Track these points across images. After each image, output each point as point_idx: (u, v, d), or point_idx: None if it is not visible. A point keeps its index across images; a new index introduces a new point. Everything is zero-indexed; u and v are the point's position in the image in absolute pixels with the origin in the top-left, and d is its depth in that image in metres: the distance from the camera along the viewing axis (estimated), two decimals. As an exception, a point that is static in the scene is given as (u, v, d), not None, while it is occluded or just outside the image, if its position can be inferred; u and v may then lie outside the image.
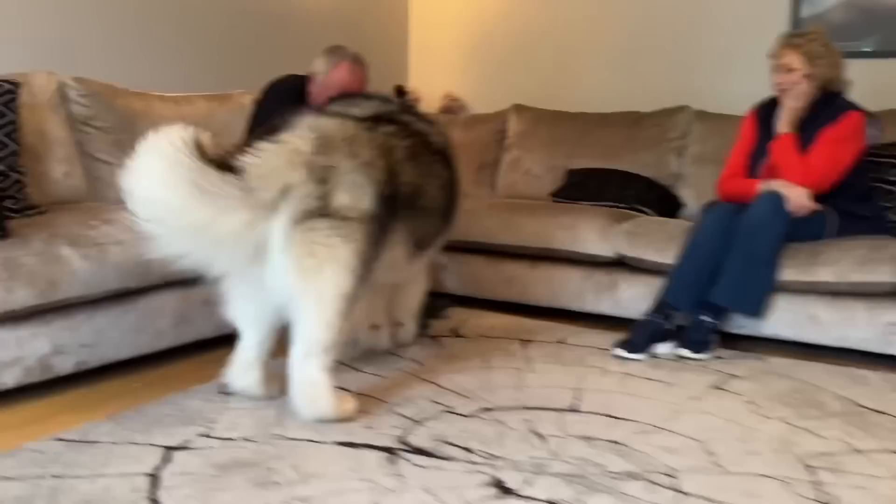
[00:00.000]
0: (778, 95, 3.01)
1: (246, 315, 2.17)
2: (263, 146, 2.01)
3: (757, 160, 3.02)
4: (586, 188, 3.74)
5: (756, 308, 2.78)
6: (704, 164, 3.71)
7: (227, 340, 2.47)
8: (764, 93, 3.87)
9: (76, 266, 2.18)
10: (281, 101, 2.97)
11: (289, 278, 1.97)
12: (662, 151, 3.82)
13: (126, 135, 3.14)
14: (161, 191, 1.80)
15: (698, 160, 3.74)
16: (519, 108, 4.29)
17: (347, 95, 2.68)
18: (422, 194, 2.32)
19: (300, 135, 2.07)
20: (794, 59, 2.90)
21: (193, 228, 1.84)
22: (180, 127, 1.86)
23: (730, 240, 2.80)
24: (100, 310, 2.32)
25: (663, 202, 3.65)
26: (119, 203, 3.08)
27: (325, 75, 2.94)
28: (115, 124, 3.15)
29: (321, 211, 1.99)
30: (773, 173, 2.95)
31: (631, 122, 3.97)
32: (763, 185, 2.85)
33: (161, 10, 3.64)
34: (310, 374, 2.04)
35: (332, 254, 1.99)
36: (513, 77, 4.68)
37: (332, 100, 2.64)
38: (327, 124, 2.15)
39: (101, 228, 2.31)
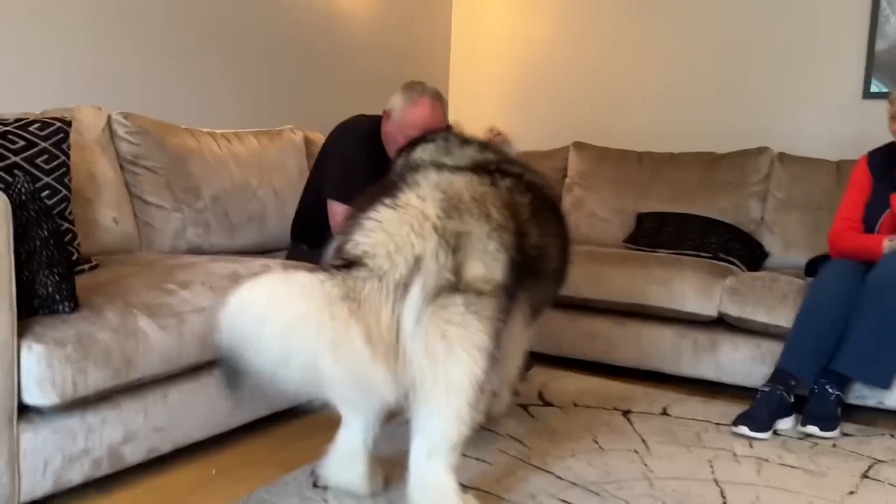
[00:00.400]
0: (897, 144, 2.76)
1: (351, 400, 1.87)
2: (383, 213, 1.73)
3: (874, 213, 2.77)
4: (664, 235, 3.48)
5: (887, 379, 2.52)
6: (790, 210, 3.48)
7: (296, 413, 2.22)
8: (840, 133, 3.66)
9: (154, 340, 1.88)
10: (358, 150, 2.70)
11: (415, 365, 1.68)
12: (743, 196, 3.58)
13: (178, 176, 2.88)
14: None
15: (783, 206, 3.50)
16: (579, 146, 4.04)
17: (431, 134, 2.42)
18: (544, 257, 2.04)
19: (425, 194, 1.78)
20: (919, 106, 2.66)
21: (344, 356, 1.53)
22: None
23: (854, 302, 2.54)
24: (173, 386, 2.01)
25: (749, 251, 3.40)
26: (174, 252, 2.84)
27: (403, 112, 2.67)
28: (165, 164, 2.86)
29: (454, 285, 1.70)
30: (892, 228, 2.70)
31: (705, 164, 3.73)
32: (890, 243, 2.60)
33: (200, 40, 3.36)
34: (434, 476, 1.74)
35: (465, 335, 1.70)
36: (562, 111, 4.43)
37: (415, 141, 2.38)
38: (453, 180, 1.86)
39: (179, 293, 2.00)
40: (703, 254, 3.31)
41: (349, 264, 1.64)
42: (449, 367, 1.69)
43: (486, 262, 1.75)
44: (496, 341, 1.77)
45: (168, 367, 1.94)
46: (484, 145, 2.36)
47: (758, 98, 3.91)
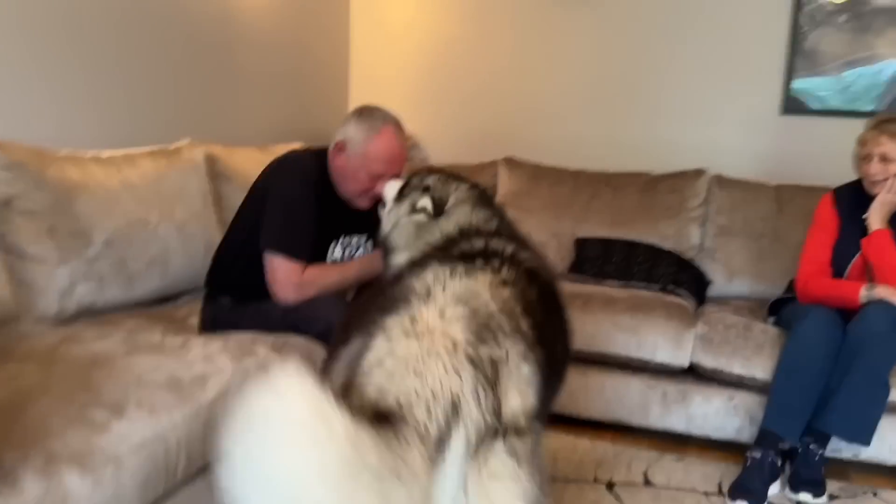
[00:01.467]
0: (866, 185, 2.66)
1: None
2: (402, 344, 1.29)
3: (843, 256, 2.67)
4: (609, 264, 3.27)
5: (871, 437, 2.43)
6: (731, 236, 3.37)
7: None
8: (758, 148, 3.59)
9: (87, 500, 1.38)
10: (304, 193, 2.24)
11: None
12: (683, 221, 3.43)
13: (62, 218, 2.30)
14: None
15: (724, 232, 3.38)
16: (510, 163, 3.74)
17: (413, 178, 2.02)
18: (555, 358, 1.68)
19: (445, 310, 1.36)
20: (892, 149, 2.57)
21: None
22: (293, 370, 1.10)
23: (834, 355, 2.43)
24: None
25: (695, 282, 3.26)
26: (62, 315, 2.26)
27: (365, 144, 2.22)
28: (46, 205, 2.26)
29: (495, 430, 1.32)
30: (863, 273, 2.62)
31: (642, 186, 3.54)
32: (866, 292, 2.50)
33: (73, 43, 2.71)
34: None
35: (512, 489, 1.32)
36: (475, 115, 4.10)
37: (409, 180, 1.99)
38: (474, 288, 1.45)
39: (112, 427, 1.50)
40: (652, 286, 3.14)
41: (382, 416, 1.23)
42: None
43: (522, 390, 1.37)
44: (539, 480, 1.43)
45: (104, 527, 1.45)
46: (475, 187, 1.98)
47: (680, 112, 3.77)
